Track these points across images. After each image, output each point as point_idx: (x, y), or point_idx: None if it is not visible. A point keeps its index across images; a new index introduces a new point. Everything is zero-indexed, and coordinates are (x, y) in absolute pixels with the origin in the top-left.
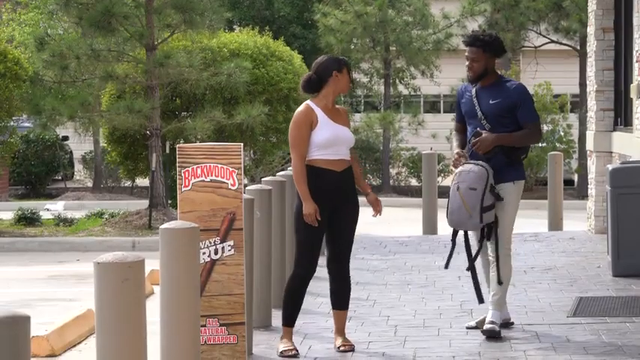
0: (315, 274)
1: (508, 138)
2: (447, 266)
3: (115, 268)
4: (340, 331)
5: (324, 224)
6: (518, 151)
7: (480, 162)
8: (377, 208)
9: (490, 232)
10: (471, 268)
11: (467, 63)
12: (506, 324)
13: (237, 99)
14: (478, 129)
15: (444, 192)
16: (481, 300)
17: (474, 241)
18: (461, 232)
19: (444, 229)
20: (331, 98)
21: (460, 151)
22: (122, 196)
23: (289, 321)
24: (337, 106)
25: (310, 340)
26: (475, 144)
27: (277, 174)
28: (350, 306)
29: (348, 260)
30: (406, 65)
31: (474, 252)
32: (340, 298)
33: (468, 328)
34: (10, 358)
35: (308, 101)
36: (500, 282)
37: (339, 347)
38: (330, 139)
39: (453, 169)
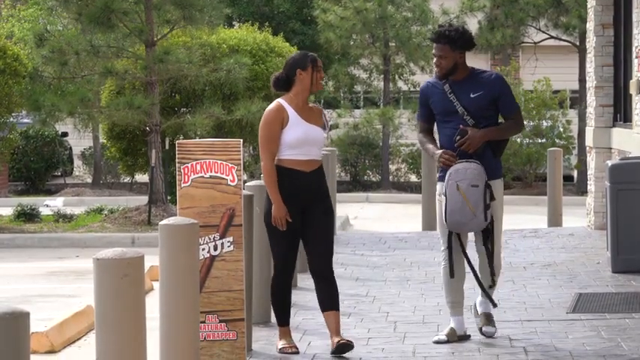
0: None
1: (497, 132)
2: (452, 275)
3: (114, 264)
4: (336, 331)
5: (297, 226)
6: (503, 144)
7: (472, 160)
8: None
9: (492, 231)
10: (475, 274)
11: (434, 60)
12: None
13: (237, 95)
14: (462, 126)
15: None
16: (494, 304)
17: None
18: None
19: None
20: (301, 97)
21: (448, 151)
22: (121, 192)
23: (281, 321)
24: (312, 105)
25: (310, 336)
26: (463, 143)
27: None
28: (349, 302)
29: (328, 261)
30: (405, 61)
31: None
32: (326, 299)
33: (435, 343)
34: (9, 354)
35: (279, 99)
36: (494, 284)
37: (337, 342)
38: (300, 139)
39: (440, 164)
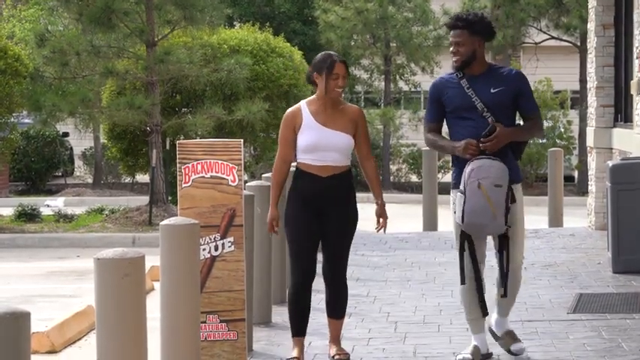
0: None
1: (521, 132)
2: (463, 282)
3: (115, 265)
4: (335, 339)
5: (312, 230)
6: (523, 146)
7: (495, 157)
8: (380, 222)
9: (508, 237)
10: (478, 280)
11: (451, 48)
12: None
13: (238, 95)
14: (492, 122)
15: (444, 188)
16: (485, 312)
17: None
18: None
19: (444, 225)
20: (322, 100)
21: (473, 141)
22: (122, 192)
23: (296, 331)
24: (344, 106)
25: (311, 336)
26: (491, 140)
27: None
28: (350, 302)
29: (340, 268)
30: (406, 61)
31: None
32: (333, 306)
33: None
34: (10, 355)
35: (302, 101)
36: (505, 295)
37: (333, 356)
38: (311, 145)
39: (465, 156)
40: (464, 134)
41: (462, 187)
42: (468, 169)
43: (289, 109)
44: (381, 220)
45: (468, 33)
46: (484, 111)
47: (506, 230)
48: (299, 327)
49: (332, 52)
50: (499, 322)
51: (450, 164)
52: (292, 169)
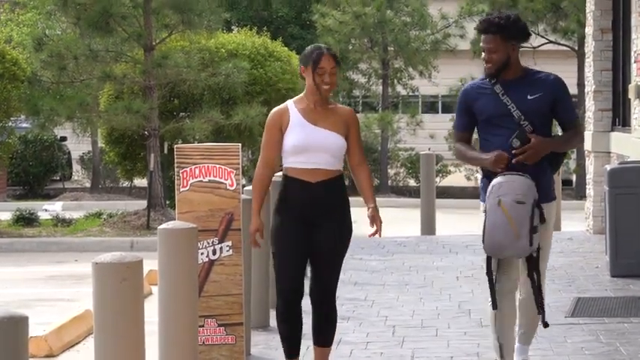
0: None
1: (560, 143)
2: (494, 306)
3: (113, 269)
4: None
5: (301, 247)
6: (562, 159)
7: (520, 172)
8: (375, 226)
9: (537, 260)
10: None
11: (483, 55)
12: None
13: (235, 99)
14: (524, 130)
15: (442, 192)
16: (544, 322)
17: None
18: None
19: (442, 229)
20: (310, 97)
21: (503, 153)
22: (120, 197)
23: (288, 352)
24: (335, 106)
25: (308, 340)
26: (525, 151)
27: (275, 175)
28: (348, 306)
29: (329, 289)
30: (404, 66)
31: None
32: (319, 332)
33: None
34: (8, 359)
35: (289, 100)
36: (546, 324)
37: None
38: (297, 145)
39: (496, 169)
40: (497, 144)
41: (483, 205)
42: (490, 185)
43: (275, 108)
44: (375, 224)
45: (501, 38)
46: (521, 119)
47: (535, 253)
48: (291, 348)
49: (322, 45)
50: (520, 350)
51: (479, 174)
52: (278, 179)
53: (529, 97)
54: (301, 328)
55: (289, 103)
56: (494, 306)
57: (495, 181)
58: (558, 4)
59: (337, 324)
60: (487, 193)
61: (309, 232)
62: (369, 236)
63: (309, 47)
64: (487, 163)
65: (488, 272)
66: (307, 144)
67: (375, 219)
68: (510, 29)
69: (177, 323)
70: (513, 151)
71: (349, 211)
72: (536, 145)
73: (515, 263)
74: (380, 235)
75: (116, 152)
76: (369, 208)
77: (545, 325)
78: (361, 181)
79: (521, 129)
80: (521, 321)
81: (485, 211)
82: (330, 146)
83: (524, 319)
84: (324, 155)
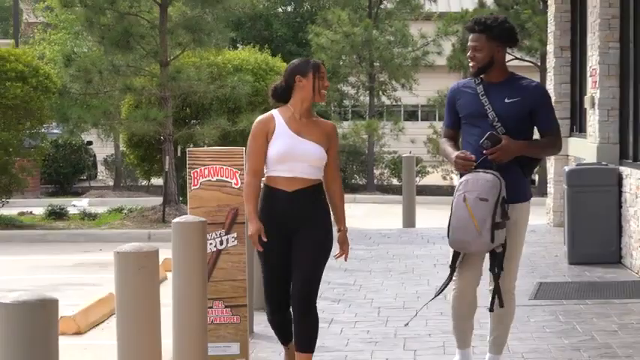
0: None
1: (532, 147)
2: (437, 294)
3: (132, 257)
4: None
5: (283, 259)
6: (535, 163)
7: (491, 171)
8: (342, 250)
9: (501, 258)
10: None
11: (468, 53)
12: None
13: (240, 108)
14: (493, 132)
15: (421, 190)
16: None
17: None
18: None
19: (421, 222)
20: (299, 107)
21: (465, 152)
22: (139, 194)
23: (283, 339)
24: (318, 119)
25: None
26: (494, 152)
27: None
28: (339, 290)
29: (308, 297)
30: (388, 79)
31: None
32: (301, 339)
33: None
34: (41, 337)
35: (273, 110)
36: (491, 309)
37: None
38: (281, 153)
39: (457, 173)
40: (471, 143)
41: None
42: (459, 182)
43: (259, 119)
44: (343, 247)
45: (486, 37)
46: (494, 120)
47: (499, 249)
48: (285, 337)
49: (307, 58)
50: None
51: (455, 175)
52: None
53: (506, 100)
54: (291, 319)
55: (274, 112)
56: (438, 295)
57: (463, 178)
58: (523, 25)
59: (320, 325)
60: (455, 190)
61: (290, 241)
62: (335, 257)
63: (297, 61)
64: (450, 160)
65: (452, 265)
66: (290, 153)
67: (343, 243)
68: (495, 29)
69: (189, 305)
70: (484, 152)
71: (329, 221)
72: (505, 147)
73: (477, 260)
74: (346, 260)
75: (135, 155)
76: (339, 230)
77: (491, 310)
78: (334, 199)
79: (493, 130)
80: (491, 326)
81: (451, 208)
82: (311, 157)
83: (494, 324)
84: (303, 165)
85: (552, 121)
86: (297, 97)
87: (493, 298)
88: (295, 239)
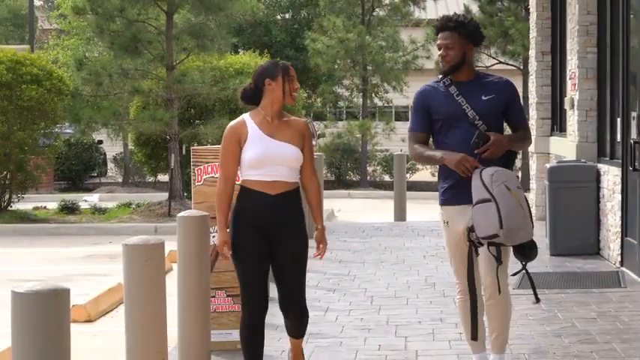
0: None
1: (515, 141)
2: (538, 300)
3: (140, 249)
4: (297, 355)
5: (262, 261)
6: (514, 157)
7: (493, 166)
8: (319, 248)
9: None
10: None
11: (440, 52)
12: None
13: (241, 110)
14: (480, 130)
15: (411, 186)
16: (538, 299)
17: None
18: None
19: (412, 216)
20: (270, 110)
21: (469, 157)
22: (146, 190)
23: None
24: (289, 119)
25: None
26: (487, 149)
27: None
28: (334, 280)
29: (297, 299)
30: (380, 82)
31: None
32: (292, 327)
33: None
34: (54, 324)
35: (244, 114)
36: (500, 261)
37: None
38: (257, 158)
39: (459, 170)
40: (451, 143)
41: (479, 196)
42: (483, 177)
43: (230, 125)
44: (320, 245)
45: (459, 35)
46: (475, 119)
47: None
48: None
49: (276, 60)
50: None
51: (438, 177)
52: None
53: (483, 97)
54: (263, 339)
55: (245, 117)
56: (474, 311)
57: (485, 172)
58: (507, 31)
59: (310, 315)
60: (488, 181)
61: (268, 244)
62: (313, 256)
63: (266, 63)
64: (449, 161)
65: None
66: (266, 157)
67: (321, 241)
68: (467, 27)
69: (193, 294)
70: (476, 151)
71: (305, 223)
72: (497, 142)
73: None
74: (321, 258)
75: (143, 153)
76: (316, 229)
77: (537, 301)
78: (311, 197)
79: (478, 129)
80: (491, 326)
81: (492, 200)
82: (288, 158)
83: (494, 323)
84: (282, 168)
85: (523, 114)
86: (267, 100)
87: (534, 289)
88: (276, 244)
